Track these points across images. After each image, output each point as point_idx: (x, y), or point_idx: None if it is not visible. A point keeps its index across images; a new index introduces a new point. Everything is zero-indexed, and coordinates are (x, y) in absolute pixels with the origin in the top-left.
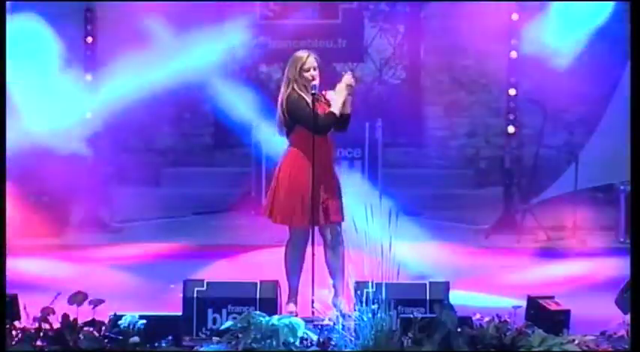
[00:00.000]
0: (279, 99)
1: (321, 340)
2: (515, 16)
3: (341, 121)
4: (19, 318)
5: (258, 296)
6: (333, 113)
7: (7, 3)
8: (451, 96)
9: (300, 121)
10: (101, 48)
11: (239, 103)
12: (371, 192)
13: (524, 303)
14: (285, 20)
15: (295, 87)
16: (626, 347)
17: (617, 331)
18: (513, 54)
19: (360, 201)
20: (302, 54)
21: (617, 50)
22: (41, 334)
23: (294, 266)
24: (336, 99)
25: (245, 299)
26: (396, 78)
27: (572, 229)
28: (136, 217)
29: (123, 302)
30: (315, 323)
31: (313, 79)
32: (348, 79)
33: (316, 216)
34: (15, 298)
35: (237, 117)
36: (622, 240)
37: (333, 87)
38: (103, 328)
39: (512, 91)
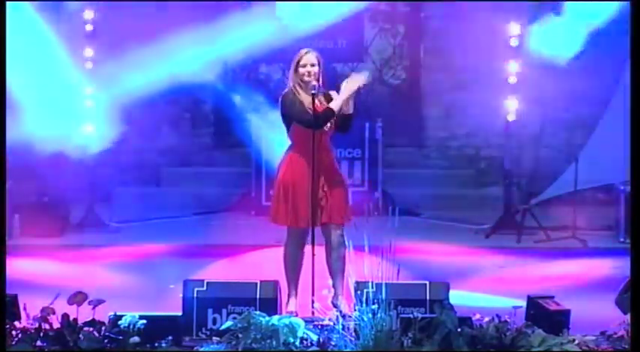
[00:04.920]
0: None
1: (321, 340)
2: (514, 16)
3: (342, 121)
4: (19, 318)
5: (258, 296)
6: (330, 109)
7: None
8: (451, 96)
9: (292, 118)
10: (101, 48)
11: (239, 104)
12: (371, 192)
13: (524, 303)
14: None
15: (292, 85)
16: (626, 347)
17: (617, 331)
18: (513, 54)
19: (360, 201)
20: (301, 51)
21: (617, 50)
22: (41, 334)
23: (293, 266)
24: (340, 95)
25: (245, 299)
26: (396, 78)
27: (572, 229)
28: (136, 217)
29: (123, 302)
30: (315, 323)
31: (309, 75)
32: (361, 78)
33: (316, 215)
34: (15, 298)
35: (238, 118)
36: (622, 240)
37: (332, 87)
38: (103, 328)
39: (512, 91)
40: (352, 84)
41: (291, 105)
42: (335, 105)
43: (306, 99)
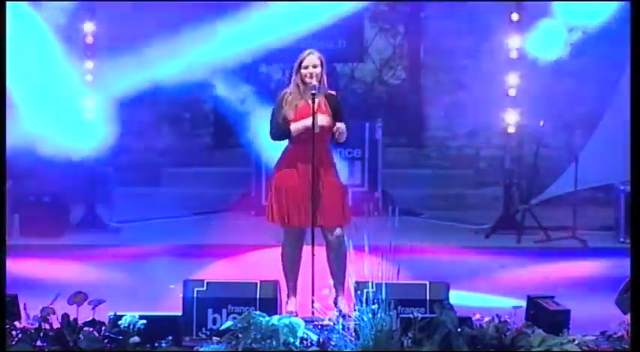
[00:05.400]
0: None
1: (321, 340)
2: (515, 16)
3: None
4: (19, 318)
5: (258, 296)
6: (289, 130)
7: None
8: (451, 97)
9: (270, 119)
10: (101, 48)
11: (239, 104)
12: (371, 192)
13: (524, 303)
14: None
15: (291, 86)
16: (626, 347)
17: (617, 331)
18: (513, 54)
19: (360, 201)
20: (304, 52)
21: (617, 50)
22: (41, 334)
23: (291, 265)
24: (302, 122)
25: (245, 299)
26: (396, 78)
27: (572, 229)
28: (136, 217)
29: (123, 302)
30: (315, 323)
31: (310, 77)
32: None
33: (313, 216)
34: (15, 298)
35: (238, 118)
36: (622, 240)
37: (332, 87)
38: (103, 328)
39: (512, 91)
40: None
41: (274, 110)
42: (294, 126)
43: (293, 102)
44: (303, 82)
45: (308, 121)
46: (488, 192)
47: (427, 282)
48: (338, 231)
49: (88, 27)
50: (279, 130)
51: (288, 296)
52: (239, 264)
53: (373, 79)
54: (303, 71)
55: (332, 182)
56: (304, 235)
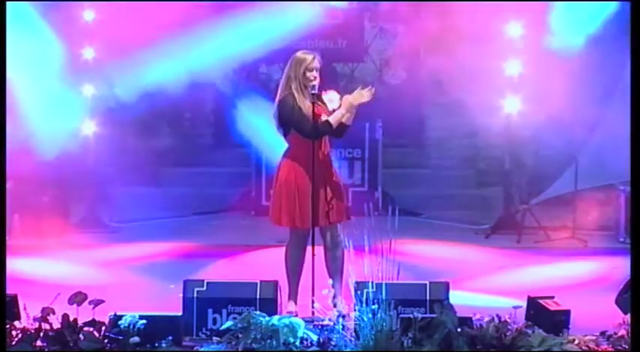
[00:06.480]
0: (276, 100)
1: (321, 340)
2: (515, 16)
3: (338, 130)
4: (19, 318)
5: (258, 296)
6: (328, 122)
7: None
8: (451, 97)
9: (290, 125)
10: (101, 48)
11: (239, 104)
12: (371, 192)
13: (524, 303)
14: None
15: (294, 87)
16: (626, 347)
17: (617, 331)
18: (513, 53)
19: (360, 201)
20: (307, 55)
21: (618, 50)
22: (41, 334)
23: (294, 266)
24: (340, 110)
25: (245, 299)
26: (396, 78)
27: (572, 229)
28: (136, 217)
29: (123, 302)
30: (315, 323)
31: (315, 80)
32: (365, 96)
33: (316, 216)
34: (15, 298)
35: (238, 118)
36: (622, 240)
37: (331, 87)
38: (103, 328)
39: (512, 91)
40: (355, 100)
41: (291, 113)
42: (334, 119)
43: (304, 103)
44: (306, 86)
45: (344, 111)
46: (488, 192)
47: (427, 282)
48: (336, 230)
49: (88, 27)
50: (317, 127)
51: (289, 296)
52: (239, 263)
53: (373, 79)
54: (308, 74)
55: (335, 179)
56: (309, 236)
